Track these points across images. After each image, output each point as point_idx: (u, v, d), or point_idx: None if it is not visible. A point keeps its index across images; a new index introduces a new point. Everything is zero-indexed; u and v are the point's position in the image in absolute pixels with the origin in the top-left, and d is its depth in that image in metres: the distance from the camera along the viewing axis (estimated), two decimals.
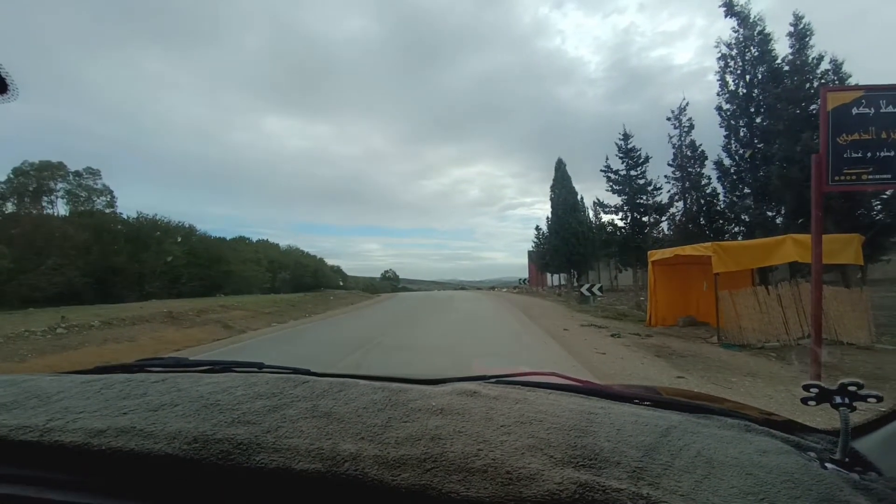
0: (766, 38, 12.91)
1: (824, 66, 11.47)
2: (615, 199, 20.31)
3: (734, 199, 14.21)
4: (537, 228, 38.20)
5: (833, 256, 7.61)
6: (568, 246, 27.74)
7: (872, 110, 4.84)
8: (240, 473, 0.48)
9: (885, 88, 4.95)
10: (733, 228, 14.78)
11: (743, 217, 13.97)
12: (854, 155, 4.83)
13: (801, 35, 11.96)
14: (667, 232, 18.78)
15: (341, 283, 47.11)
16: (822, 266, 5.15)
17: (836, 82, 10.85)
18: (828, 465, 0.50)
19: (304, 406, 0.61)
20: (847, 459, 0.51)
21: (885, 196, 10.12)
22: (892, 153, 4.82)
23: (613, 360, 6.56)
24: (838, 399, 0.53)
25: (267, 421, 0.57)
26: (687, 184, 16.76)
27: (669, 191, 18.11)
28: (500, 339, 8.81)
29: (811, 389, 0.55)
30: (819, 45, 12.10)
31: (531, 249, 44.60)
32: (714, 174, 14.97)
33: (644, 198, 19.49)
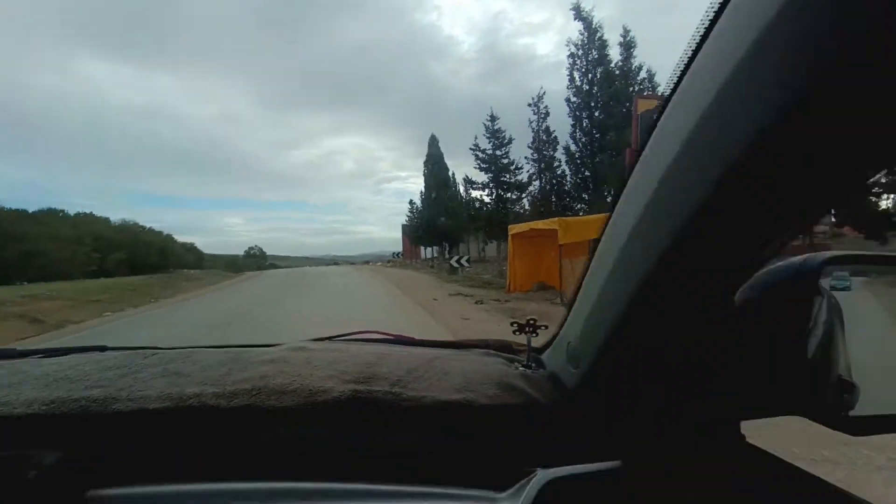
0: (604, 44, 15.00)
1: (643, 74, 13.93)
2: (483, 177, 21.80)
3: (578, 180, 16.48)
4: (411, 203, 38.90)
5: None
6: (440, 220, 28.96)
7: None
8: (100, 421, 0.56)
9: None
10: (577, 206, 17.17)
11: (584, 196, 16.33)
12: None
13: (628, 45, 14.25)
14: (527, 208, 20.91)
15: (195, 262, 41.47)
16: None
17: (650, 89, 13.24)
18: (520, 367, 0.76)
19: (155, 370, 0.69)
20: (531, 364, 0.78)
21: None
22: None
23: (474, 324, 7.28)
24: (526, 329, 0.81)
25: (119, 383, 0.64)
26: (542, 165, 18.82)
27: (529, 171, 20.12)
28: (373, 314, 8.99)
29: (513, 324, 0.84)
30: (641, 56, 14.56)
31: (405, 223, 45.30)
32: (563, 158, 17.11)
33: (507, 176, 21.30)
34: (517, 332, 0.82)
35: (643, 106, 5.97)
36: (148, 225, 42.16)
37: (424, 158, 32.65)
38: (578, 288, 0.66)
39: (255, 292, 16.12)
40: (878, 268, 0.77)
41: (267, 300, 12.81)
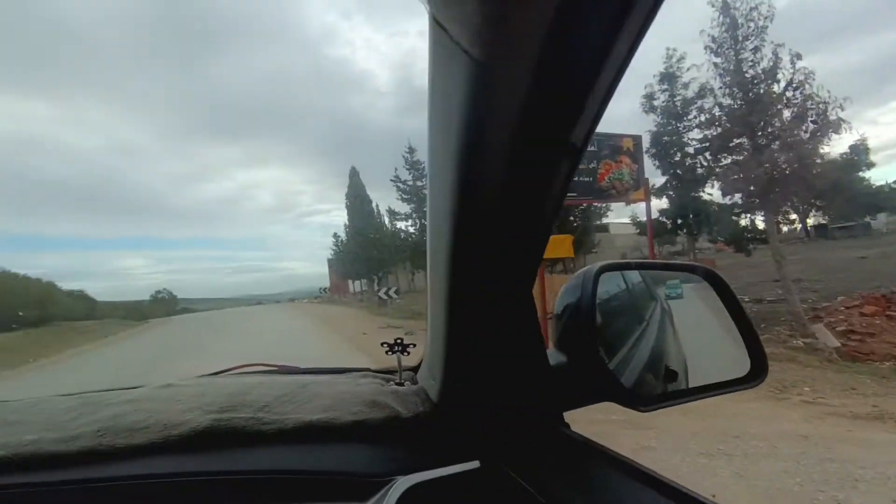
0: None
1: None
2: (405, 208, 22.15)
3: None
4: (335, 236, 38.07)
5: (555, 251, 10.25)
6: (366, 252, 28.65)
7: None
8: None
9: None
10: None
11: None
12: None
13: None
14: None
15: (85, 313, 36.13)
16: (544, 259, 7.00)
17: None
18: (392, 385, 0.78)
19: None
20: (404, 382, 0.80)
21: (581, 209, 14.21)
22: (576, 178, 6.94)
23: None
24: (396, 349, 0.86)
25: None
26: None
27: None
28: (299, 352, 8.64)
29: (384, 345, 0.88)
30: None
31: (331, 257, 44.10)
32: None
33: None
34: (389, 353, 0.86)
35: None
36: (22, 272, 36.22)
37: (346, 191, 32.43)
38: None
39: (158, 342, 14.51)
40: (649, 273, 1.03)
41: (171, 350, 11.61)
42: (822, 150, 7.48)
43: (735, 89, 7.96)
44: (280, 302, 61.73)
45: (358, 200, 29.94)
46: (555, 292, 9.77)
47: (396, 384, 0.80)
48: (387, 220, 30.41)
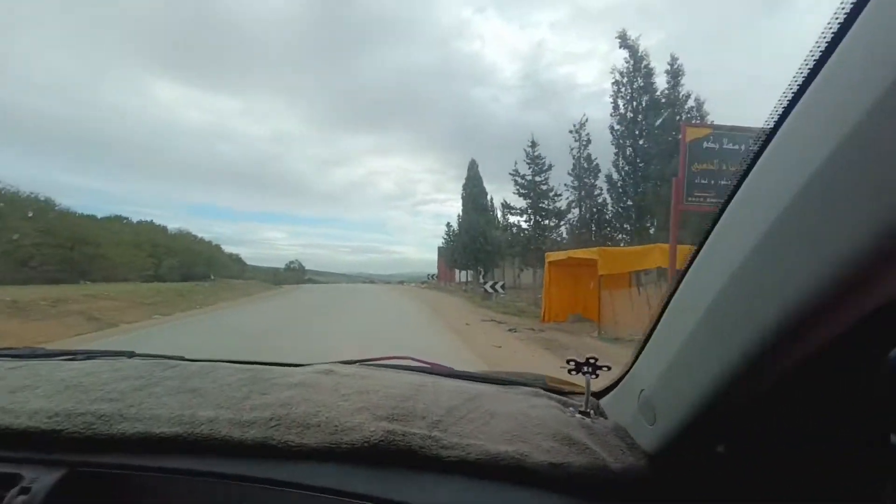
0: (650, 72, 14.78)
1: (690, 103, 13.55)
2: (521, 202, 21.68)
3: (619, 209, 16.04)
4: (448, 225, 39.19)
5: (682, 264, 9.03)
6: (476, 244, 28.91)
7: (717, 145, 5.88)
8: (103, 442, 0.53)
9: (727, 129, 6.03)
10: (618, 235, 16.67)
11: (625, 226, 15.84)
12: (702, 181, 5.83)
13: (675, 74, 13.96)
14: (564, 235, 20.53)
15: (238, 272, 43.47)
16: (675, 271, 6.13)
17: (699, 118, 12.84)
18: (577, 414, 0.68)
19: (172, 384, 0.66)
20: (590, 411, 0.69)
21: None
22: (727, 182, 5.91)
23: (507, 353, 7.07)
24: (585, 370, 0.72)
25: (131, 398, 0.61)
26: (583, 193, 18.51)
27: (568, 198, 19.83)
28: (405, 334, 8.97)
29: (570, 362, 0.74)
30: (688, 84, 14.20)
31: (441, 245, 45.59)
32: (605, 186, 16.76)
33: (546, 203, 21.07)
34: (573, 372, 0.73)
35: (692, 134, 5.75)
36: (199, 235, 44.63)
37: (463, 182, 32.98)
38: (652, 328, 0.58)
39: (292, 304, 16.59)
40: None
41: (302, 313, 13.14)
42: None
43: None
44: (390, 283, 66.31)
45: (474, 192, 30.29)
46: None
47: (581, 412, 0.68)
48: (500, 214, 30.34)
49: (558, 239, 20.70)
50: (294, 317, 12.28)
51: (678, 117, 13.50)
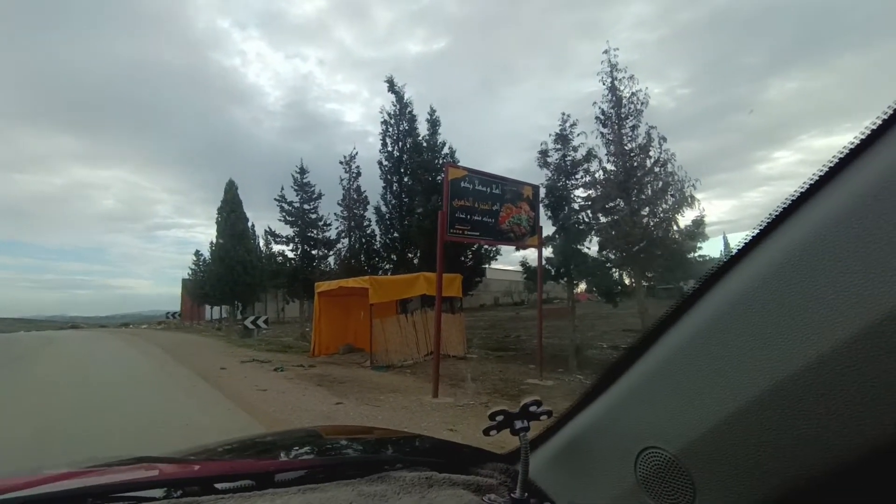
0: (413, 118, 16.56)
1: (446, 150, 15.82)
2: (287, 230, 20.35)
3: (387, 240, 16.96)
4: (198, 254, 33.31)
5: (445, 290, 10.14)
6: (233, 275, 25.37)
7: (472, 185, 6.84)
8: None
9: (477, 172, 7.12)
10: (385, 265, 17.52)
11: (392, 256, 16.82)
12: (461, 216, 6.64)
13: (433, 122, 16.11)
14: (333, 266, 20.23)
15: None
16: (441, 297, 6.70)
17: (453, 162, 15.04)
18: None
19: None
20: (525, 494, 0.49)
21: (473, 248, 14.57)
22: (480, 217, 6.95)
23: (275, 396, 6.15)
24: (519, 423, 0.50)
25: None
26: (352, 223, 18.80)
27: (338, 228, 19.78)
28: (124, 391, 6.72)
29: (497, 417, 0.51)
30: (444, 133, 16.58)
31: (187, 278, 38.19)
32: (374, 217, 17.50)
33: (315, 231, 20.44)
34: (493, 432, 0.50)
35: (453, 174, 6.53)
36: None
37: (218, 206, 28.80)
38: (623, 362, 0.43)
39: None
40: None
41: None
42: (679, 220, 8.80)
43: (616, 158, 9.04)
44: (106, 327, 50.40)
45: (232, 216, 26.67)
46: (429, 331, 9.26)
47: (514, 501, 0.48)
48: (262, 243, 27.67)
49: (326, 269, 20.26)
50: None
51: (436, 160, 15.48)
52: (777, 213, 0.35)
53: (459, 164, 15.22)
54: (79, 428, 4.58)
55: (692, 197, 8.33)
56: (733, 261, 0.37)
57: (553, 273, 10.23)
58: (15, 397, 6.48)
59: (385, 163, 16.65)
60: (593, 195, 9.74)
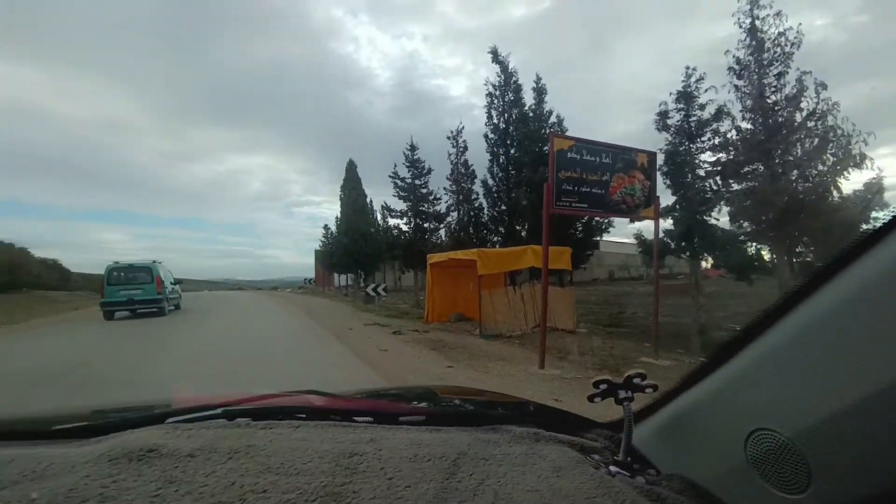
0: (518, 87, 16.14)
1: (553, 119, 15.21)
2: (401, 205, 21.73)
3: (494, 213, 17.14)
4: (326, 228, 37.43)
5: (554, 263, 10.03)
6: (356, 246, 28.14)
7: (579, 156, 6.61)
8: None
9: (585, 142, 6.82)
10: (493, 238, 17.79)
11: (500, 229, 16.99)
12: (568, 188, 6.48)
13: (540, 91, 15.53)
14: (444, 238, 21.15)
15: (57, 282, 34.91)
16: (548, 270, 6.72)
17: (559, 131, 14.43)
18: (612, 468, 0.51)
19: None
20: (629, 459, 0.53)
21: (583, 221, 13.99)
22: (588, 189, 6.70)
23: (394, 356, 6.92)
24: (623, 393, 0.54)
25: None
26: (461, 197, 19.31)
27: (447, 202, 20.51)
28: (285, 346, 8.17)
29: (600, 385, 0.55)
30: (550, 101, 15.90)
31: (318, 249, 43.35)
32: (481, 191, 17.76)
33: (426, 206, 21.49)
34: (597, 399, 0.54)
35: (558, 145, 6.36)
36: None
37: (340, 184, 31.84)
38: (747, 334, 0.41)
39: (131, 319, 13.77)
40: None
41: (151, 329, 10.99)
42: (840, 185, 7.34)
43: (755, 114, 7.80)
44: (261, 289, 60.48)
45: (353, 193, 29.40)
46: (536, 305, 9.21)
47: (617, 463, 0.50)
48: (379, 217, 29.98)
49: (438, 241, 21.25)
50: (135, 334, 10.22)
51: (543, 131, 15.00)
52: None
53: (567, 133, 14.54)
54: (245, 363, 5.80)
55: (862, 155, 6.81)
56: (873, 239, 0.34)
57: (672, 247, 9.41)
58: (201, 334, 8.36)
59: (491, 135, 16.64)
60: (723, 159, 8.57)
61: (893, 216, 0.35)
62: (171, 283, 15.70)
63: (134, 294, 13.48)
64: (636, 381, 0.54)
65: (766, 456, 0.38)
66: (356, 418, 0.60)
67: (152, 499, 0.35)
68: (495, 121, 16.52)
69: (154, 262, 14.28)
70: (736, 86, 8.18)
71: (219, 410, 0.57)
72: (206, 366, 6.17)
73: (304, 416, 0.59)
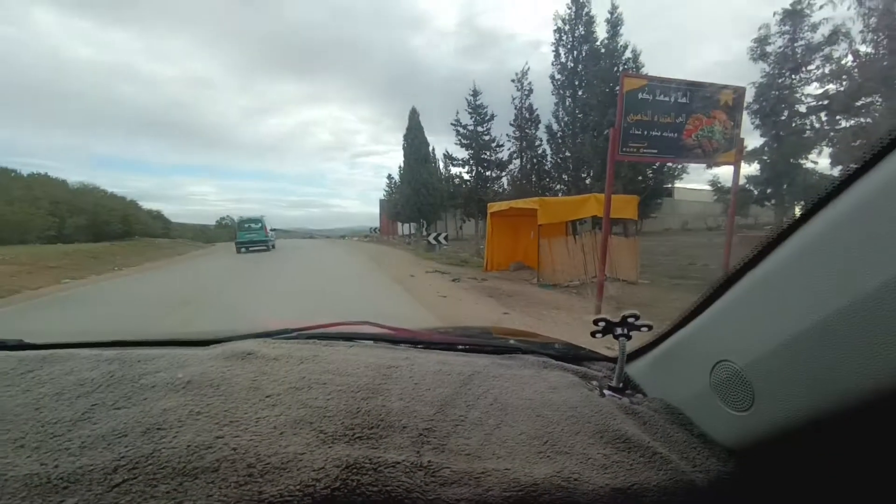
0: (590, 20, 14.72)
1: (627, 54, 13.79)
2: (463, 153, 21.50)
3: (558, 160, 16.45)
4: (389, 177, 38.28)
5: (619, 212, 9.57)
6: (419, 196, 28.59)
7: (651, 97, 6.07)
8: None
9: (661, 80, 6.22)
10: (556, 186, 17.21)
11: (564, 177, 16.35)
12: (636, 132, 6.04)
13: (614, 23, 14.03)
14: (506, 186, 20.81)
15: (161, 231, 39.80)
16: (609, 219, 6.48)
17: (634, 69, 13.14)
18: (606, 391, 0.59)
19: None
20: (621, 385, 0.61)
21: (654, 167, 13.01)
22: (659, 133, 6.19)
23: (453, 302, 7.24)
24: (619, 330, 0.62)
25: None
26: (524, 143, 18.67)
27: (509, 149, 19.94)
28: (350, 288, 8.85)
29: (599, 323, 0.63)
30: (626, 34, 14.38)
31: (383, 198, 44.63)
32: (545, 136, 17.01)
33: (488, 153, 21.08)
34: (598, 335, 0.61)
35: (629, 85, 5.87)
36: (110, 190, 39.89)
37: (403, 133, 31.92)
38: (723, 285, 0.46)
39: (229, 263, 15.60)
40: None
41: (241, 272, 12.45)
42: None
43: (881, 34, 6.54)
44: (330, 238, 64.43)
45: (416, 142, 29.44)
46: (611, 256, 8.99)
47: (611, 388, 0.58)
48: (441, 166, 29.92)
49: (499, 190, 20.95)
50: (231, 276, 11.62)
51: (615, 68, 13.75)
52: None
53: (643, 70, 13.23)
54: (318, 302, 6.42)
55: None
56: (858, 173, 0.35)
57: (756, 195, 8.55)
58: (283, 272, 9.28)
59: (557, 76, 15.60)
60: (832, 91, 7.40)
61: (843, 180, 0.37)
62: (271, 230, 24.02)
63: (252, 237, 20.93)
64: (630, 320, 0.62)
65: (724, 382, 0.45)
66: (399, 344, 0.73)
67: (252, 381, 0.51)
68: (563, 59, 15.39)
69: (262, 216, 22.32)
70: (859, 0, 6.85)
71: (294, 333, 0.74)
72: (289, 302, 6.93)
73: (356, 339, 0.74)
